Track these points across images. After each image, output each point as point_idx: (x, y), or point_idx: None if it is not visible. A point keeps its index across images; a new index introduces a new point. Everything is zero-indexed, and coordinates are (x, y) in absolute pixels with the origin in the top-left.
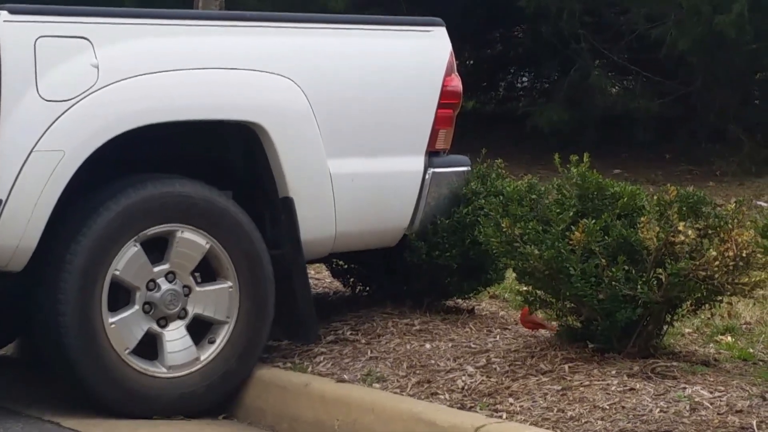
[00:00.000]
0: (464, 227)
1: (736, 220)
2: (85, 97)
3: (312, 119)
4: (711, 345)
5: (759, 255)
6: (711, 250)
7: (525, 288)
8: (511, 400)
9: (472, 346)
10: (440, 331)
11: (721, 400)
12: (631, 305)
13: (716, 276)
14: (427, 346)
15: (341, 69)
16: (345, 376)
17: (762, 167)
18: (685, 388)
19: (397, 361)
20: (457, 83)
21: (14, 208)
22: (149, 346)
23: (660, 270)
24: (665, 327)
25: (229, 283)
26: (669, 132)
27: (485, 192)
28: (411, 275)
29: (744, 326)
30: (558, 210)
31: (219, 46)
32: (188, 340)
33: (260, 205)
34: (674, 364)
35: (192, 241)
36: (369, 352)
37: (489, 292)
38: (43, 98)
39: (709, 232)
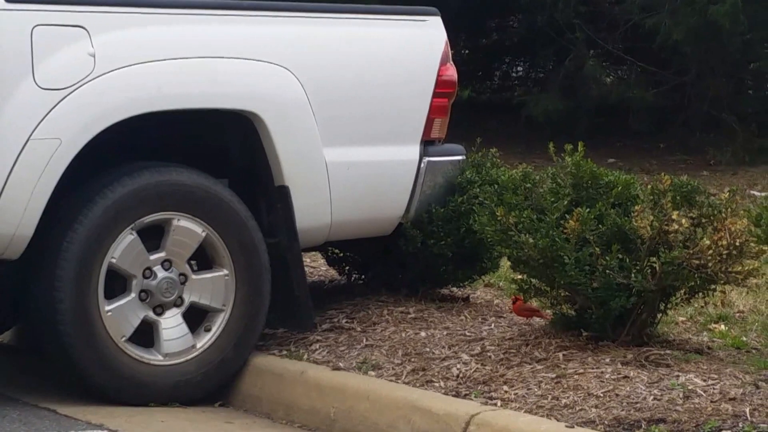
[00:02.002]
0: (459, 216)
1: (729, 209)
2: (81, 85)
3: (308, 108)
4: (704, 333)
5: (752, 244)
6: (704, 239)
7: (519, 276)
8: (505, 387)
9: (467, 334)
10: (435, 319)
11: (714, 388)
12: (625, 293)
13: (710, 265)
14: (423, 334)
15: (337, 58)
16: (341, 363)
17: (755, 156)
18: (678, 376)
19: (393, 348)
20: (452, 72)
21: (11, 197)
22: (145, 334)
23: (654, 259)
24: (659, 315)
25: (225, 271)
26: (663, 121)
27: (480, 181)
28: (406, 264)
29: (737, 315)
30: (552, 199)
31: (215, 34)
32: (184, 328)
33: (256, 193)
34: (668, 352)
35: (188, 229)
36: (364, 340)
37: (484, 281)
38: (40, 87)
39: (703, 221)
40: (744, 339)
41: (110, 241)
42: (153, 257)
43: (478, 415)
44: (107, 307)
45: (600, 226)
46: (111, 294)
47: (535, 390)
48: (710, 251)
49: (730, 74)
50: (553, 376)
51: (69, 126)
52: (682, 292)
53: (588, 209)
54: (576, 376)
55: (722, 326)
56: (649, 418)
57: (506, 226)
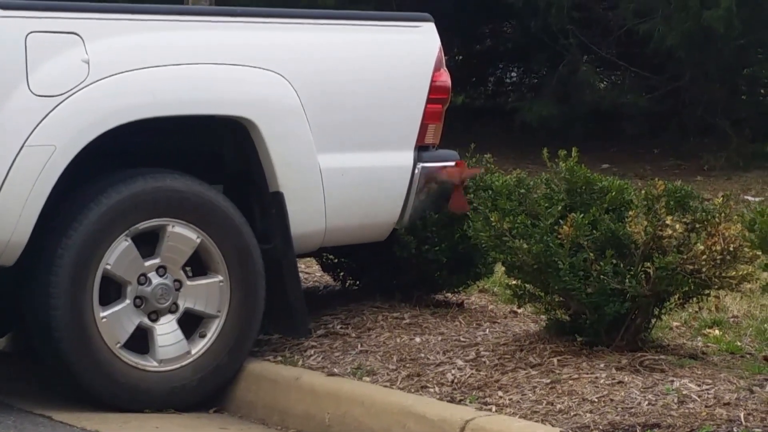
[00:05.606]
0: (453, 221)
1: (723, 214)
2: (76, 92)
3: (302, 114)
4: (699, 338)
5: (746, 249)
6: (698, 244)
7: (514, 282)
8: (500, 393)
9: (462, 339)
10: (430, 324)
11: (708, 393)
12: (619, 299)
13: (704, 270)
14: (417, 339)
15: (331, 64)
16: (335, 369)
17: (749, 162)
18: (673, 381)
19: (387, 354)
20: (446, 78)
21: (5, 203)
22: (140, 340)
23: (648, 264)
24: (653, 320)
25: (220, 278)
26: (657, 127)
27: (474, 186)
28: (401, 269)
29: (731, 319)
30: (546, 204)
31: (209, 41)
32: (179, 334)
33: (251, 199)
34: (662, 357)
35: (183, 235)
36: (359, 345)
37: (478, 286)
38: (34, 93)
39: (697, 226)
40: (738, 344)
41: (105, 247)
42: (148, 263)
43: (473, 420)
44: (102, 314)
45: (594, 231)
46: (106, 300)
47: (530, 395)
48: (704, 256)
49: (724, 79)
50: (548, 381)
51: (63, 132)
52: (677, 297)
53: (582, 214)
54: (570, 382)
55: (716, 331)
56: (643, 423)
57: (500, 231)
